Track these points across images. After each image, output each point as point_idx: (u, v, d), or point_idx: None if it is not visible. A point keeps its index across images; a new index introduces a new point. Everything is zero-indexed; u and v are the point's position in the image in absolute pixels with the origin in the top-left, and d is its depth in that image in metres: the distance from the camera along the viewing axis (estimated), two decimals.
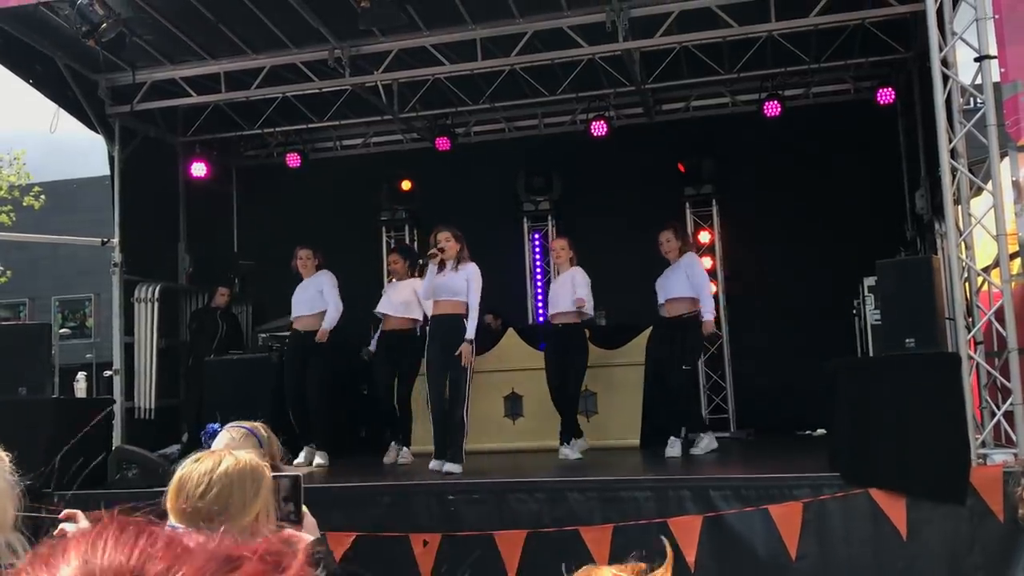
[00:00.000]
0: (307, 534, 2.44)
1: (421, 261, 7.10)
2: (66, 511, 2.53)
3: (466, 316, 6.59)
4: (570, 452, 7.22)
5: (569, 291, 7.30)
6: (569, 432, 7.33)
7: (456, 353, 6.48)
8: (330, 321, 7.62)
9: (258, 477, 2.06)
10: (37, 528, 2.49)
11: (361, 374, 9.31)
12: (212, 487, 1.99)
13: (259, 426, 2.96)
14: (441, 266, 6.68)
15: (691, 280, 7.18)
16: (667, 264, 7.44)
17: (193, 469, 2.03)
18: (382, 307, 7.67)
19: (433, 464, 6.52)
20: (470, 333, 6.54)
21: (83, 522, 2.52)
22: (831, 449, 5.84)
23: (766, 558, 5.30)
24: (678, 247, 7.39)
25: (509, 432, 8.25)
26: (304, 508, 2.48)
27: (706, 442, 7.26)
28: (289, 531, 2.40)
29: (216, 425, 3.02)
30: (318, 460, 7.47)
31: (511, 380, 8.27)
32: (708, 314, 7.17)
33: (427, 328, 6.97)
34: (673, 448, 7.07)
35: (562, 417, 7.39)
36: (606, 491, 5.61)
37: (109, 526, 0.70)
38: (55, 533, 2.46)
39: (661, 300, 7.35)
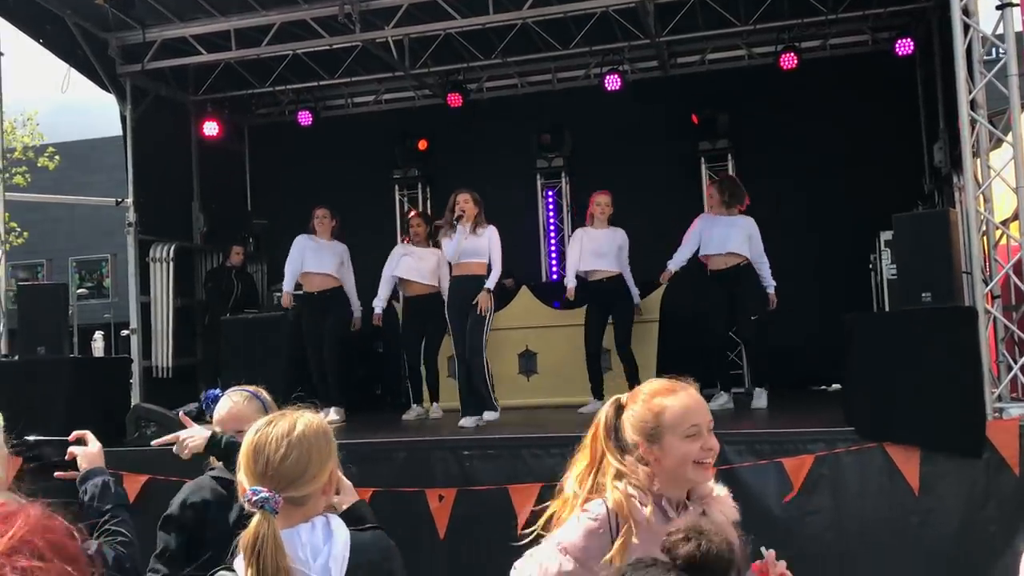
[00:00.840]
0: (347, 497, 2.44)
1: (439, 225, 7.12)
2: (75, 432, 2.56)
3: (487, 277, 6.88)
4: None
5: (615, 249, 7.43)
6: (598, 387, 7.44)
7: (473, 301, 6.67)
8: (358, 306, 7.97)
9: (330, 437, 2.08)
10: (46, 453, 2.54)
11: (376, 332, 9.35)
12: (292, 450, 1.99)
13: (261, 390, 2.96)
14: (453, 228, 6.89)
15: (753, 245, 7.20)
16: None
17: (269, 432, 2.01)
18: (408, 273, 7.78)
19: (462, 421, 6.71)
20: (490, 283, 6.79)
21: (92, 444, 2.56)
22: (846, 404, 5.84)
23: (779, 511, 5.31)
24: (721, 201, 7.35)
25: (524, 389, 8.29)
26: (340, 473, 2.48)
27: (724, 399, 7.30)
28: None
29: (217, 391, 3.01)
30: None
31: (525, 337, 8.28)
32: (772, 288, 7.26)
33: (448, 288, 7.16)
34: (760, 399, 7.12)
35: (628, 364, 7.46)
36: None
37: None
38: (66, 456, 2.51)
39: (713, 251, 7.25)
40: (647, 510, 2.13)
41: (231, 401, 2.90)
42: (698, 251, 7.37)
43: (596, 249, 7.50)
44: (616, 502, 2.16)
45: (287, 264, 7.95)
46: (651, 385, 2.29)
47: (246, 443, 2.05)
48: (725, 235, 7.23)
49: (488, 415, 6.70)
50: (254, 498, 1.90)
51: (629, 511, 2.14)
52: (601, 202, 7.55)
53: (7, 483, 2.00)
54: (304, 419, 2.08)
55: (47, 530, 0.78)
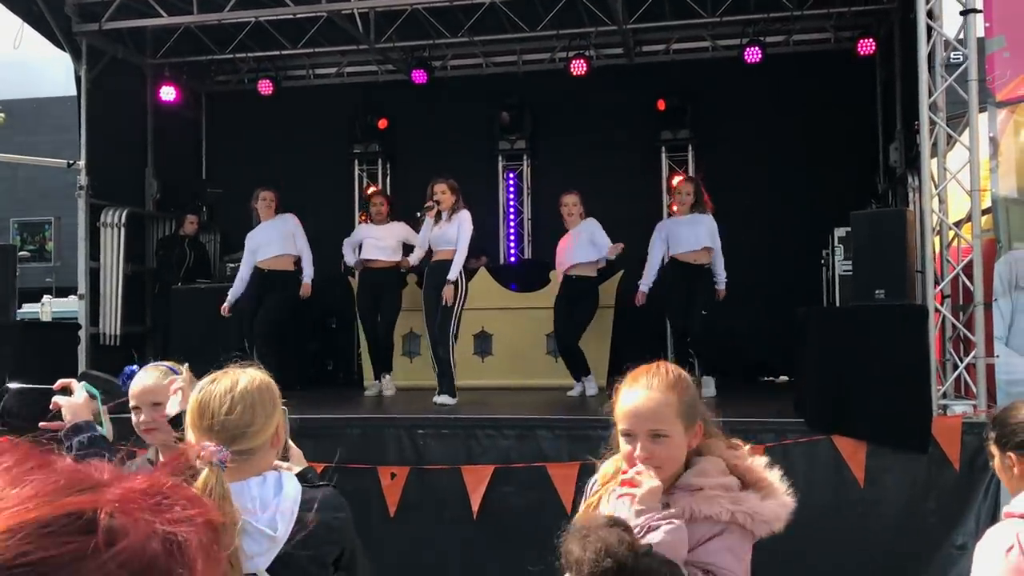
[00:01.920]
0: (295, 464, 2.45)
1: (419, 215, 7.12)
2: (61, 381, 2.49)
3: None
4: (588, 386, 7.45)
5: (586, 243, 7.46)
6: (580, 370, 7.51)
7: (444, 299, 6.77)
8: (310, 271, 7.72)
9: (273, 392, 2.14)
10: (31, 401, 2.46)
11: (329, 308, 9.28)
12: (236, 405, 2.03)
13: (179, 365, 2.89)
14: (437, 217, 6.97)
15: (714, 241, 7.38)
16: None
17: (212, 389, 2.06)
18: (370, 253, 7.83)
19: (436, 399, 6.79)
20: (452, 275, 6.79)
21: (79, 394, 2.49)
22: (796, 395, 5.94)
23: None
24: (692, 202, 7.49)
25: (479, 370, 8.29)
26: (289, 440, 2.49)
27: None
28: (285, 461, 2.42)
29: (134, 367, 2.90)
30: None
31: (481, 319, 8.27)
32: (723, 283, 7.42)
33: (424, 273, 7.22)
34: (708, 388, 7.22)
35: (572, 359, 7.55)
36: (574, 429, 5.67)
37: None
38: (51, 406, 2.44)
39: (685, 249, 7.38)
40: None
41: (148, 375, 2.77)
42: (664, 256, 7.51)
43: (567, 248, 7.58)
44: (603, 474, 2.18)
45: (240, 268, 7.76)
46: (638, 367, 2.18)
47: (192, 401, 2.08)
48: (694, 233, 7.36)
49: (442, 399, 6.70)
50: (202, 452, 1.91)
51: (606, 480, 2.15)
52: (568, 203, 7.58)
53: None
54: (247, 375, 2.12)
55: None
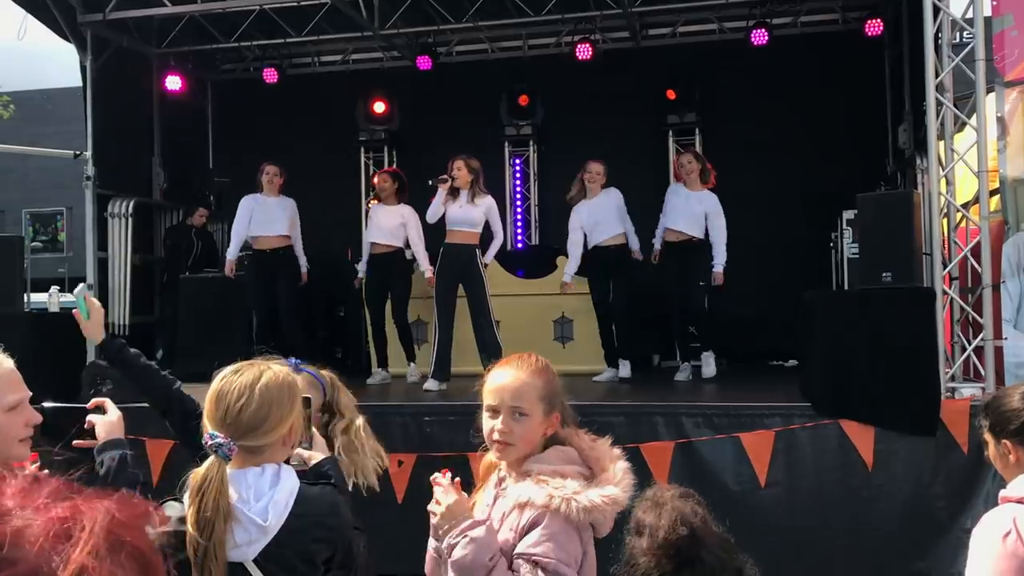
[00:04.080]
0: (318, 453, 2.47)
1: (431, 183, 7.06)
2: (95, 400, 2.50)
3: (478, 246, 7.09)
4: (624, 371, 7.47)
5: (614, 214, 7.41)
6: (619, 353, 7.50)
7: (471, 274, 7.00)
8: (305, 262, 7.84)
9: (294, 391, 2.13)
10: (65, 420, 2.46)
11: (337, 295, 9.29)
12: (252, 401, 2.03)
13: (324, 373, 2.89)
14: (455, 195, 6.90)
15: (712, 222, 7.26)
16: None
17: (233, 381, 2.07)
18: (373, 236, 7.73)
19: (429, 384, 6.87)
20: (488, 257, 7.13)
21: (112, 412, 2.50)
22: (804, 379, 5.92)
23: (735, 485, 5.39)
24: (699, 173, 7.40)
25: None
26: (314, 430, 2.49)
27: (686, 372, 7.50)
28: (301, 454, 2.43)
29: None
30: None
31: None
32: (721, 265, 7.30)
33: (440, 253, 7.22)
34: (708, 365, 7.26)
35: (616, 339, 7.53)
36: (581, 415, 5.63)
37: None
38: (85, 424, 2.46)
39: (680, 227, 7.32)
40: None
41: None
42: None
43: (593, 218, 7.46)
44: (484, 465, 2.34)
45: (234, 226, 7.85)
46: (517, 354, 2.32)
47: (211, 389, 2.09)
48: (694, 213, 7.30)
49: None
50: (210, 442, 1.96)
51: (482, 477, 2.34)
52: (594, 170, 7.52)
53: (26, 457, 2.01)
54: (271, 371, 2.11)
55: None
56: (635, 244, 7.58)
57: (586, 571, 2.11)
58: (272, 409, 2.05)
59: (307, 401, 2.46)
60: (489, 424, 2.18)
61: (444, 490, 2.10)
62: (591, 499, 2.04)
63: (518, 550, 2.05)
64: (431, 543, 2.19)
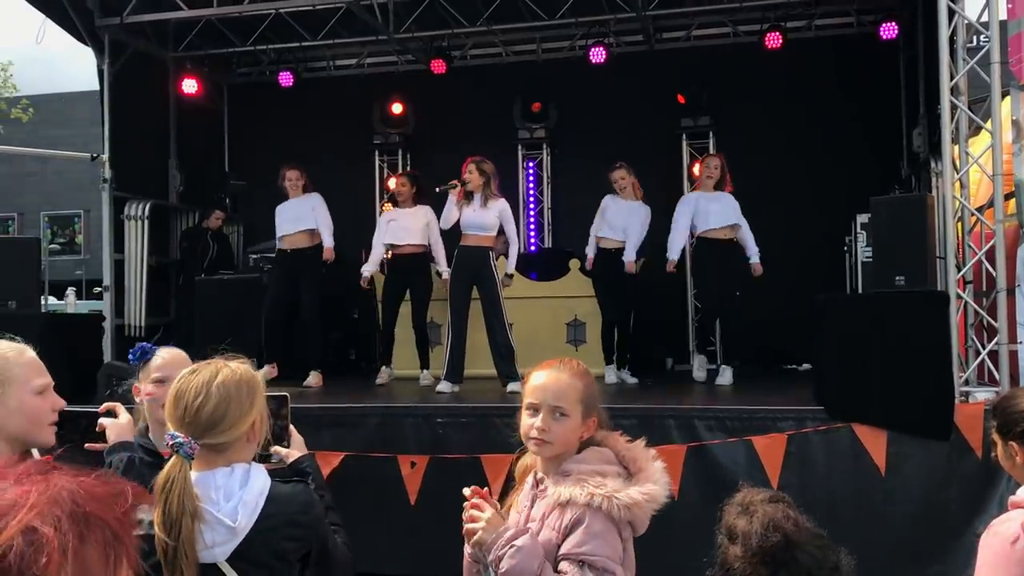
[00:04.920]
0: (296, 450, 2.47)
1: (438, 189, 7.10)
2: (105, 404, 2.55)
3: (492, 249, 7.08)
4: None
5: (638, 229, 7.51)
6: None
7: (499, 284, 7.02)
8: (329, 239, 7.71)
9: (254, 387, 2.11)
10: (75, 424, 2.51)
11: (351, 297, 9.33)
12: (210, 399, 2.04)
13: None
14: (468, 198, 6.93)
15: (740, 218, 7.38)
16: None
17: (191, 380, 2.08)
18: (397, 238, 7.71)
19: (441, 386, 6.87)
20: (510, 267, 7.12)
21: (122, 416, 2.55)
22: (817, 383, 5.90)
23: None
24: (719, 177, 7.48)
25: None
26: (292, 427, 2.51)
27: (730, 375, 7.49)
28: (276, 447, 2.45)
29: (147, 344, 2.85)
30: (312, 379, 7.55)
31: None
32: (757, 256, 7.38)
33: (454, 255, 7.23)
34: (725, 376, 7.28)
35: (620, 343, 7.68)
36: None
37: None
38: (96, 428, 2.50)
39: (716, 224, 7.34)
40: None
41: (176, 350, 2.79)
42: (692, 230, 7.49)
43: (626, 223, 7.54)
44: (521, 466, 2.39)
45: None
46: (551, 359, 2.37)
47: (171, 389, 2.11)
48: (723, 209, 7.33)
49: (513, 386, 6.55)
50: (171, 442, 1.96)
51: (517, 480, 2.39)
52: (614, 177, 7.63)
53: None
54: (229, 368, 2.11)
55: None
56: (630, 256, 7.54)
57: (626, 568, 2.13)
58: (231, 406, 2.05)
59: (284, 400, 2.48)
60: (528, 422, 2.22)
61: (479, 505, 2.14)
62: (632, 496, 2.08)
63: (563, 551, 2.08)
64: (467, 550, 2.23)
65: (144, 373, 2.71)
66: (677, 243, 7.44)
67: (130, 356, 2.75)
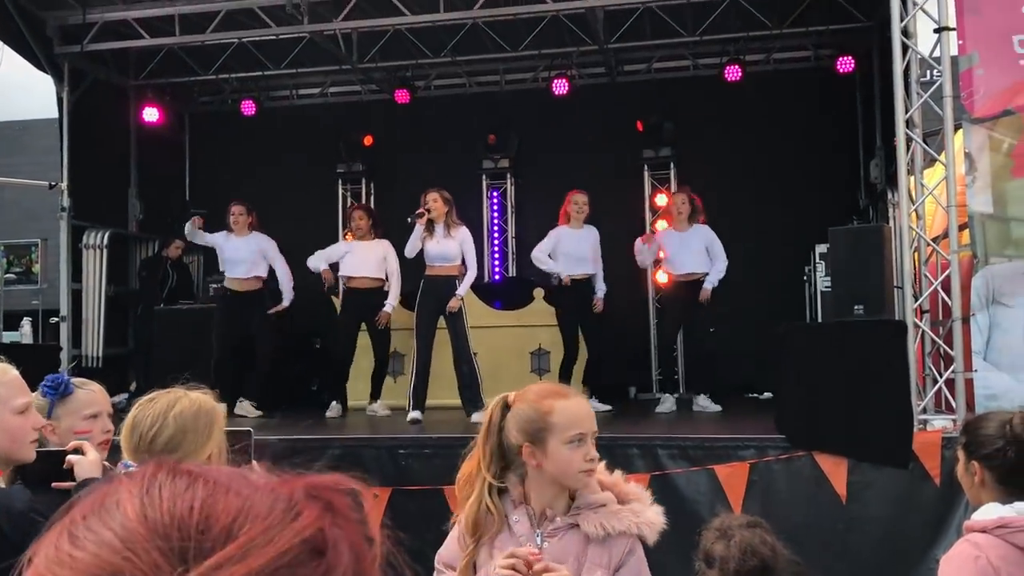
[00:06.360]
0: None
1: (409, 220, 7.13)
2: (74, 443, 2.47)
3: (458, 278, 7.11)
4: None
5: (590, 253, 7.54)
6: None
7: (448, 308, 6.97)
8: (289, 297, 7.90)
9: (211, 417, 2.09)
10: (44, 463, 2.43)
11: (313, 328, 9.25)
12: (166, 427, 2.03)
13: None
14: (431, 229, 6.97)
15: (712, 251, 7.46)
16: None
17: (147, 409, 2.05)
18: (354, 270, 7.74)
19: (412, 415, 6.85)
20: (461, 290, 7.06)
21: (91, 453, 2.47)
22: (778, 412, 5.94)
23: (710, 517, 5.39)
24: (690, 211, 7.58)
25: None
26: (254, 461, 2.47)
27: (669, 404, 7.63)
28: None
29: (60, 375, 2.65)
30: (248, 409, 7.54)
31: None
32: (712, 283, 7.45)
33: (420, 285, 7.23)
34: (707, 404, 7.43)
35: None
36: None
37: (160, 471, 0.60)
38: (64, 466, 2.41)
39: (687, 270, 7.46)
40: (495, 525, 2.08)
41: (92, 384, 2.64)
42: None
43: (679, 251, 7.58)
44: (465, 516, 2.12)
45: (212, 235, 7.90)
46: (541, 386, 2.23)
47: (127, 418, 2.09)
48: (697, 251, 7.46)
49: (477, 416, 6.52)
50: (124, 472, 1.92)
51: (474, 524, 2.10)
52: (577, 201, 7.62)
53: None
54: (186, 398, 2.09)
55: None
56: (600, 291, 7.62)
57: None
58: (187, 436, 2.02)
59: (248, 434, 2.44)
60: (578, 453, 2.05)
61: (550, 567, 1.91)
62: (660, 519, 2.05)
63: None
64: None
65: (63, 409, 2.52)
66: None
67: (47, 391, 2.51)
